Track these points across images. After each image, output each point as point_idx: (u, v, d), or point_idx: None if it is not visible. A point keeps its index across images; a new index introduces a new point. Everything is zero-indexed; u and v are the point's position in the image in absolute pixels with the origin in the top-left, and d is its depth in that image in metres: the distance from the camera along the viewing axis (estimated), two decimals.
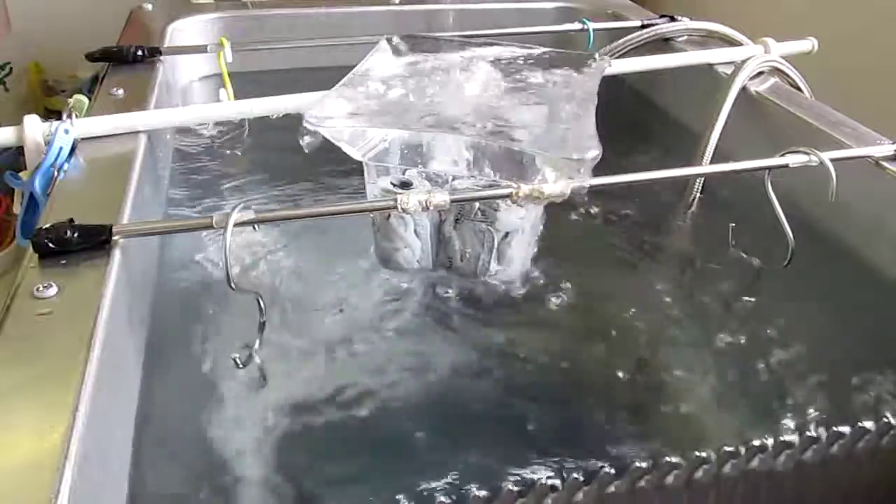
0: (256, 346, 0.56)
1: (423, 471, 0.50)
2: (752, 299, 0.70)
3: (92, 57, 0.89)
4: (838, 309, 0.68)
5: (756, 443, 0.53)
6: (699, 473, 0.52)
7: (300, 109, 0.67)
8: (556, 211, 0.63)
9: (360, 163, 0.59)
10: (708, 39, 1.02)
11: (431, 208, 0.54)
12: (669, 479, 0.51)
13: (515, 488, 0.48)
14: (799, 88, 0.90)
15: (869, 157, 0.69)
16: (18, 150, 0.66)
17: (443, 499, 0.47)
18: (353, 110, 0.60)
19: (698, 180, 0.80)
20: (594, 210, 0.80)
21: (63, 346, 0.42)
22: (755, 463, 0.53)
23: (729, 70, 0.88)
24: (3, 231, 1.31)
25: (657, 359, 0.61)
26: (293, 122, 0.58)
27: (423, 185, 0.60)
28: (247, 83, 0.88)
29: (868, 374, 0.59)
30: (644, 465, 0.51)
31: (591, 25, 1.07)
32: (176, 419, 0.54)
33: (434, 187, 0.59)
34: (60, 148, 0.63)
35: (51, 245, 0.49)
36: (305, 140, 0.56)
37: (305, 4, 1.14)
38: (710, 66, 0.93)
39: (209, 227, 0.51)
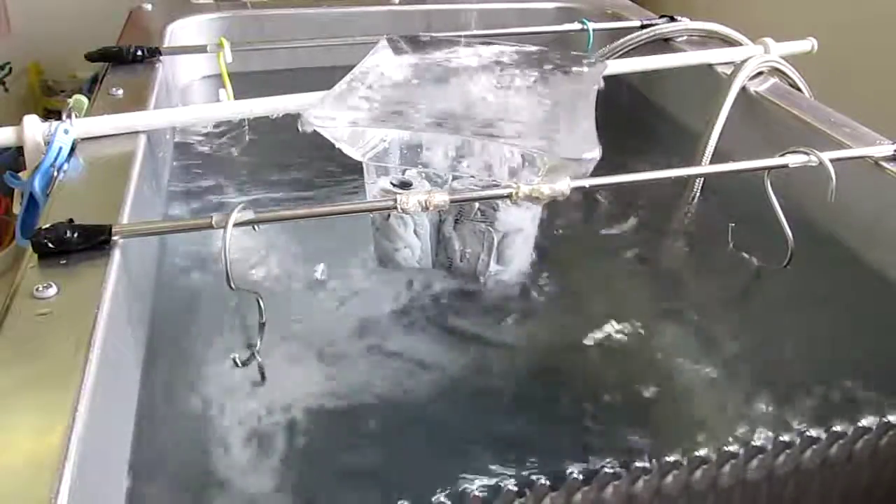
0: (256, 346, 0.56)
1: (421, 471, 0.50)
2: (752, 299, 0.70)
3: (91, 57, 0.89)
4: (838, 309, 0.68)
5: (756, 443, 0.53)
6: (699, 473, 0.52)
7: (300, 109, 0.67)
8: (555, 211, 0.63)
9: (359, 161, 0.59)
10: (708, 39, 1.02)
11: (431, 208, 0.54)
12: (669, 479, 0.51)
13: (515, 488, 0.48)
14: (799, 88, 0.90)
15: (868, 157, 0.69)
16: (18, 150, 0.66)
17: (442, 499, 0.47)
18: (353, 110, 0.60)
19: (698, 180, 0.80)
20: (593, 210, 0.80)
21: (63, 346, 0.42)
22: (755, 463, 0.53)
23: (729, 70, 0.88)
24: (2, 231, 1.32)
25: (656, 359, 0.61)
26: (293, 122, 0.58)
27: (423, 186, 0.60)
28: (247, 83, 0.88)
29: (868, 375, 0.59)
30: (644, 465, 0.51)
31: (591, 25, 1.07)
32: (176, 419, 0.54)
33: (434, 187, 0.60)
34: (60, 148, 0.63)
35: (50, 245, 0.49)
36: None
37: (305, 4, 1.14)
38: (710, 66, 0.93)
39: (209, 227, 0.51)
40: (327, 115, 0.58)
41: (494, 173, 0.58)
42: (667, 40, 1.03)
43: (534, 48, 0.75)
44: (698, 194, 0.81)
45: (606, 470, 0.50)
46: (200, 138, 0.92)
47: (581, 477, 0.49)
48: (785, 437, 0.53)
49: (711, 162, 0.80)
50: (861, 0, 1.28)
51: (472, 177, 0.58)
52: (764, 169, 0.64)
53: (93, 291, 0.47)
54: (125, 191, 0.59)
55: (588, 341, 0.63)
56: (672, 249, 0.77)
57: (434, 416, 0.56)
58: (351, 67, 0.68)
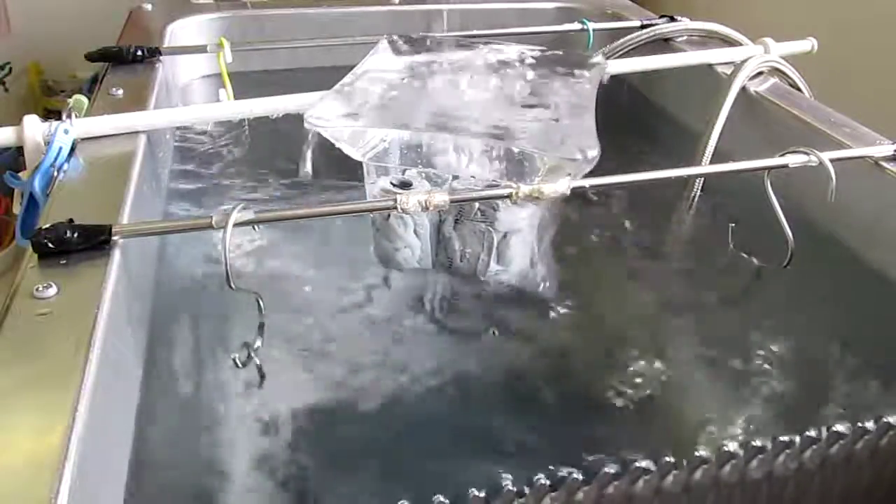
0: (256, 346, 0.56)
1: (422, 471, 0.50)
2: (752, 299, 0.70)
3: (91, 57, 0.89)
4: (838, 309, 0.68)
5: (756, 443, 0.53)
6: (699, 473, 0.52)
7: (300, 109, 0.67)
8: (556, 211, 0.63)
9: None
10: (708, 39, 1.02)
11: (431, 208, 0.54)
12: (669, 479, 0.51)
13: (515, 488, 0.48)
14: (799, 88, 0.90)
15: (868, 157, 0.69)
16: (18, 150, 0.66)
17: (442, 499, 0.47)
18: (353, 110, 0.60)
19: (698, 180, 0.80)
20: (593, 210, 0.80)
21: (63, 347, 0.42)
22: (755, 463, 0.53)
23: (729, 70, 0.88)
24: (2, 231, 1.32)
25: (656, 358, 0.61)
26: (293, 122, 0.58)
27: (423, 186, 0.60)
28: (247, 83, 0.88)
29: (867, 375, 0.59)
30: (644, 465, 0.51)
31: (591, 26, 1.07)
32: (176, 419, 0.54)
33: (434, 187, 0.60)
34: (60, 148, 0.63)
35: (50, 245, 0.49)
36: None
37: (305, 4, 1.14)
38: (710, 66, 0.93)
39: (209, 227, 0.51)
40: (327, 115, 0.58)
41: (494, 173, 0.58)
42: (667, 40, 1.03)
43: (534, 48, 0.75)
44: (698, 194, 0.81)
45: (606, 470, 0.50)
46: (200, 138, 0.92)
47: (581, 477, 0.49)
48: (785, 437, 0.53)
49: (711, 162, 0.80)
50: (861, 0, 1.28)
51: (473, 177, 0.58)
52: (764, 169, 0.64)
53: (93, 291, 0.47)
54: (125, 191, 0.59)
55: (587, 341, 0.63)
56: (672, 249, 0.77)
57: (433, 416, 0.56)
58: (351, 67, 0.67)
